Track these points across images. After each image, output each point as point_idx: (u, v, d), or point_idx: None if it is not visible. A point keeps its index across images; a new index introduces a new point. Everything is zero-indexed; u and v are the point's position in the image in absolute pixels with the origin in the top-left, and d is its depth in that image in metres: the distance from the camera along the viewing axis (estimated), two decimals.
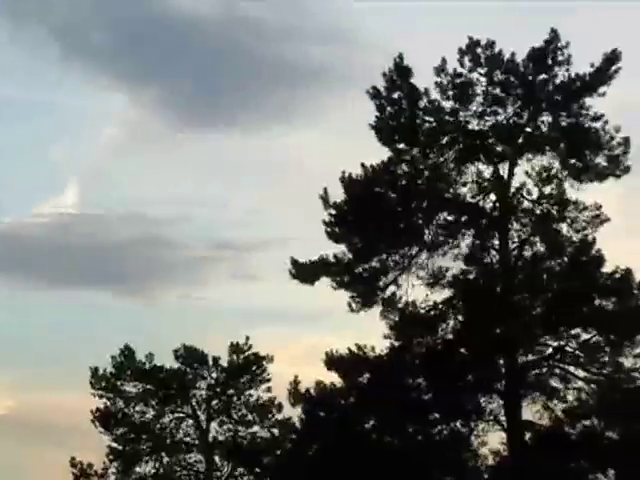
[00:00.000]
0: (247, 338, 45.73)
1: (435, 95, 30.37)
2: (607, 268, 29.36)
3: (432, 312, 30.49)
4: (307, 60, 65.13)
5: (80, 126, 72.61)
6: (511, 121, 30.28)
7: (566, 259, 29.86)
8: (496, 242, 30.31)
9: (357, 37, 64.04)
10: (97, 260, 62.03)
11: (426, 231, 30.73)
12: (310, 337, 55.60)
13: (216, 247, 63.95)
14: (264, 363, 45.50)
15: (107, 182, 71.04)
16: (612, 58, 29.79)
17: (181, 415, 45.44)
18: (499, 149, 30.51)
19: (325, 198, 30.87)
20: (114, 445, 44.87)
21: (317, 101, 66.00)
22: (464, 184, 30.53)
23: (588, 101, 30.16)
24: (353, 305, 30.85)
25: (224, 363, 45.57)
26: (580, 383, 29.38)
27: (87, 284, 63.08)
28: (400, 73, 30.47)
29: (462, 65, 30.14)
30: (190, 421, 45.32)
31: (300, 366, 52.87)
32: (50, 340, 60.41)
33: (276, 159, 64.26)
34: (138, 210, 65.35)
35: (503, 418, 29.37)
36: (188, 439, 45.33)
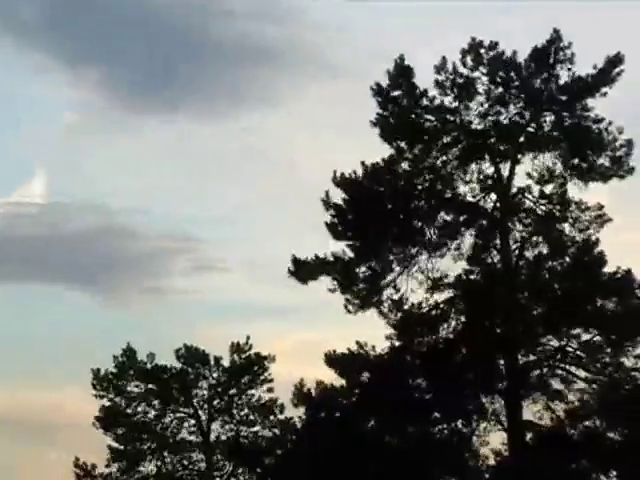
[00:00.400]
0: (248, 338, 45.85)
1: (437, 94, 30.43)
2: (609, 268, 29.40)
3: (433, 312, 30.46)
4: (265, 41, 64.12)
5: (25, 111, 69.37)
6: (513, 120, 30.27)
7: (568, 259, 29.80)
8: (497, 242, 30.27)
9: (310, 18, 63.08)
10: (54, 252, 60.98)
11: (427, 231, 30.72)
12: (296, 333, 55.55)
13: (180, 239, 62.99)
14: (265, 363, 45.56)
15: (66, 171, 69.09)
16: (615, 60, 29.80)
17: (183, 415, 45.55)
18: (501, 148, 30.50)
19: (326, 199, 30.86)
20: (116, 445, 44.95)
21: (276, 84, 65.36)
22: (466, 183, 30.55)
23: (590, 102, 30.17)
24: (350, 307, 30.83)
25: (226, 363, 45.65)
26: (581, 383, 29.30)
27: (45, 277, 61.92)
28: (402, 72, 30.50)
29: (464, 65, 30.17)
30: (192, 421, 45.44)
31: (287, 363, 52.44)
32: (9, 335, 59.52)
33: (240, 146, 63.83)
34: (98, 200, 64.00)
35: (504, 418, 29.32)
36: (190, 439, 45.44)
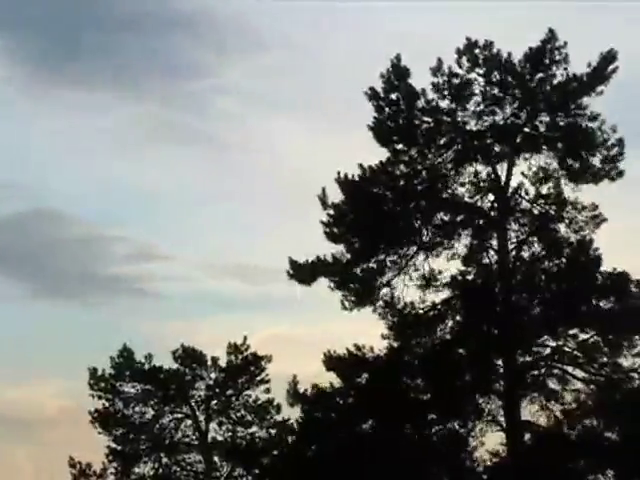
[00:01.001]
0: (245, 338, 45.81)
1: (432, 95, 30.41)
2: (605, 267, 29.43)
3: (430, 313, 30.48)
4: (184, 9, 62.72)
5: None
6: (509, 121, 30.27)
7: (564, 259, 29.84)
8: (494, 242, 30.30)
9: None
10: None
11: (424, 231, 30.74)
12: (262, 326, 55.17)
13: (114, 224, 61.61)
14: (263, 363, 45.56)
15: None
16: (609, 58, 29.81)
17: (180, 415, 45.53)
18: (497, 149, 30.51)
19: (323, 198, 30.91)
20: (113, 445, 44.95)
21: (198, 55, 63.60)
22: (462, 184, 30.57)
23: (585, 100, 30.17)
24: (346, 304, 30.87)
25: (223, 363, 45.63)
26: (579, 383, 29.36)
27: None
28: (397, 74, 30.50)
29: (460, 65, 30.17)
30: (189, 421, 45.42)
31: None
32: None
33: (165, 121, 62.61)
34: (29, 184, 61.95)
35: (502, 419, 29.35)
36: (187, 439, 45.43)
